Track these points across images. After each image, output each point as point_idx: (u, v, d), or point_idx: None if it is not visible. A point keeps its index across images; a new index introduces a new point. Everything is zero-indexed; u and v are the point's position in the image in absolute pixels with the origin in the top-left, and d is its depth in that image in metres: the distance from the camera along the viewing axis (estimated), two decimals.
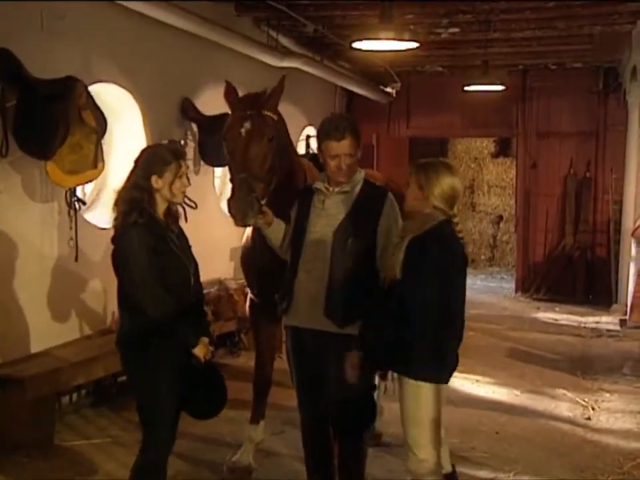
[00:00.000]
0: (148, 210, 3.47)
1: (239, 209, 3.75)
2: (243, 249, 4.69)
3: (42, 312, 5.59)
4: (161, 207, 3.56)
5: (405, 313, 3.34)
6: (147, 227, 3.44)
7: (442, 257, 3.40)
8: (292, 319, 3.89)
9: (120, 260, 3.49)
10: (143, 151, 3.67)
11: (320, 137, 3.81)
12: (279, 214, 3.94)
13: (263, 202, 3.83)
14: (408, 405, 3.45)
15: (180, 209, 6.91)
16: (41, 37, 5.36)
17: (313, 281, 3.75)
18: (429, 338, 3.36)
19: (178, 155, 3.65)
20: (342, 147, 3.71)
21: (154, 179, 3.50)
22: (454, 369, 3.54)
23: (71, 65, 5.58)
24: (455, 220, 3.51)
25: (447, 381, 3.55)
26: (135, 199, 3.46)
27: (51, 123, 5.03)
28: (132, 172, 3.57)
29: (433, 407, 3.43)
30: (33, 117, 4.99)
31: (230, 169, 4.02)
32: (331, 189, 3.81)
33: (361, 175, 3.85)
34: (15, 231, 5.33)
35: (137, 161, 3.60)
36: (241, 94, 4.06)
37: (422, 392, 3.41)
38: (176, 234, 3.63)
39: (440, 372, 3.47)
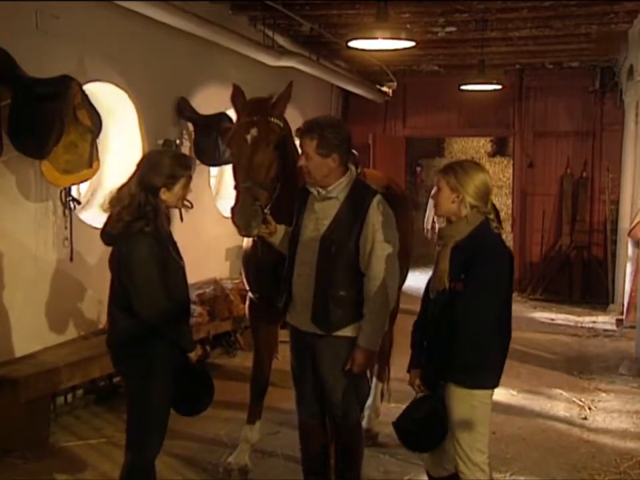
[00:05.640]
0: (154, 220, 3.41)
1: (243, 219, 3.73)
2: (244, 250, 4.65)
3: (36, 312, 5.57)
4: (163, 215, 3.51)
5: (460, 322, 3.26)
6: (154, 236, 3.40)
7: (492, 259, 3.34)
8: (290, 318, 3.92)
9: (125, 266, 3.41)
10: (149, 157, 3.56)
11: None
12: (283, 219, 3.91)
13: (266, 210, 3.80)
14: (462, 411, 3.36)
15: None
16: (36, 36, 5.34)
17: (302, 285, 3.75)
18: (486, 345, 3.30)
19: (187, 166, 3.57)
20: (302, 144, 3.66)
21: (162, 191, 3.43)
22: (502, 371, 3.46)
23: (65, 64, 5.57)
24: (491, 217, 3.42)
25: (498, 384, 3.46)
26: (141, 209, 3.38)
27: (45, 122, 5.02)
28: (134, 176, 3.46)
29: (488, 412, 3.42)
30: (28, 116, 4.97)
31: (234, 175, 3.98)
32: (321, 192, 3.72)
33: (349, 177, 3.71)
34: (10, 231, 5.31)
35: (140, 166, 3.50)
36: None
37: (477, 399, 3.36)
38: (168, 235, 3.60)
39: (494, 377, 3.42)
